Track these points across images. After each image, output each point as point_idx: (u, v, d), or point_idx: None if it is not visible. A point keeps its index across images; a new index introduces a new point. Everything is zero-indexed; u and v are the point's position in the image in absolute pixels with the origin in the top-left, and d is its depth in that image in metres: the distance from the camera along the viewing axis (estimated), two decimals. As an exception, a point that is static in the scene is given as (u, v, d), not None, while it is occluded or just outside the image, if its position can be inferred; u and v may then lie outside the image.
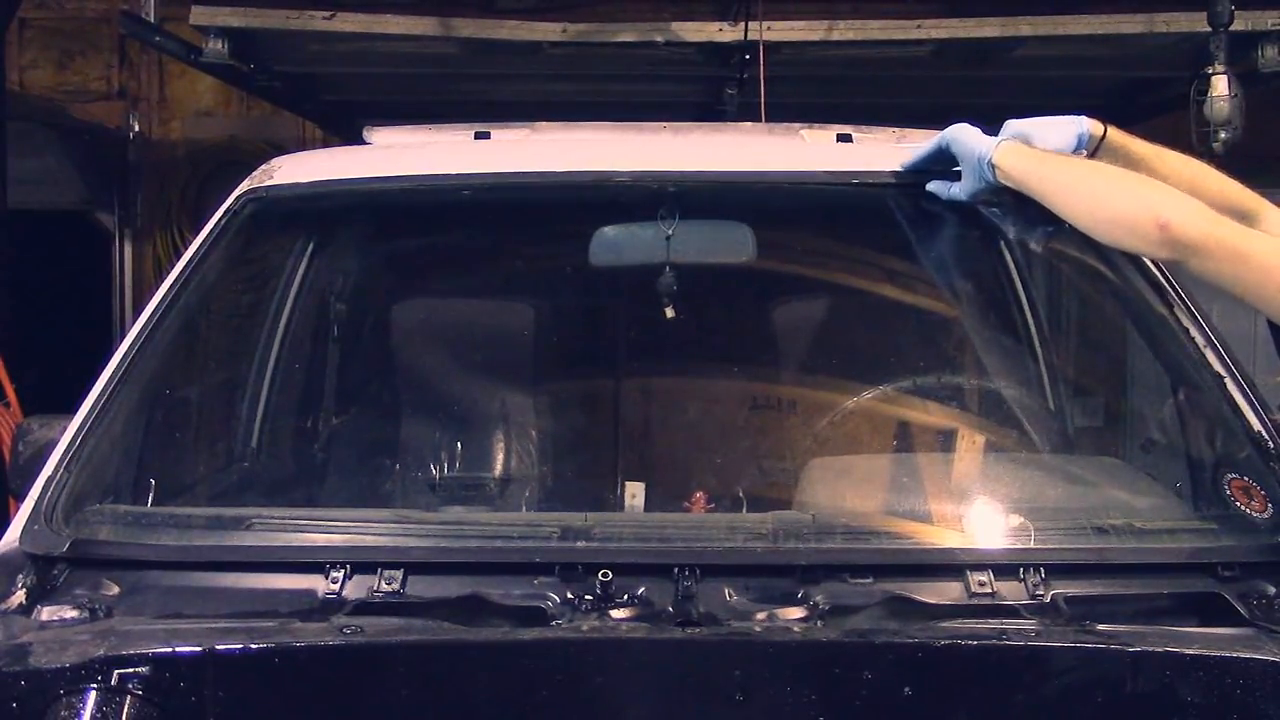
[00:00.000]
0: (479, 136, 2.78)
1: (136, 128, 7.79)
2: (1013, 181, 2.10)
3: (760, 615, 1.75)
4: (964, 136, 2.19)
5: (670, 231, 2.48)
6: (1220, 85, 4.63)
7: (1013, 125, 2.16)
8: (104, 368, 2.19)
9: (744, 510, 2.31)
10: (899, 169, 2.36)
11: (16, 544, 1.91)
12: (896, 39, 5.30)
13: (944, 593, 1.80)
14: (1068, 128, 2.13)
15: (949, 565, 1.86)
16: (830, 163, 2.53)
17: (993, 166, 2.11)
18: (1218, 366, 2.17)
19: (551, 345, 2.90)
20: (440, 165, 2.54)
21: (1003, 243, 2.81)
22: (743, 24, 5.15)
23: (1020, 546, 1.91)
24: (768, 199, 2.53)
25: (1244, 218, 2.04)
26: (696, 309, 2.66)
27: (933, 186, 2.28)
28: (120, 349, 2.23)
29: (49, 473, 2.03)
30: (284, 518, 2.05)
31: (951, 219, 2.40)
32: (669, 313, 2.55)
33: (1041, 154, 2.09)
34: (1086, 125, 2.13)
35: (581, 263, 2.62)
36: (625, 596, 1.77)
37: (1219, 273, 1.91)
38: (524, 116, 3.26)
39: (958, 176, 2.23)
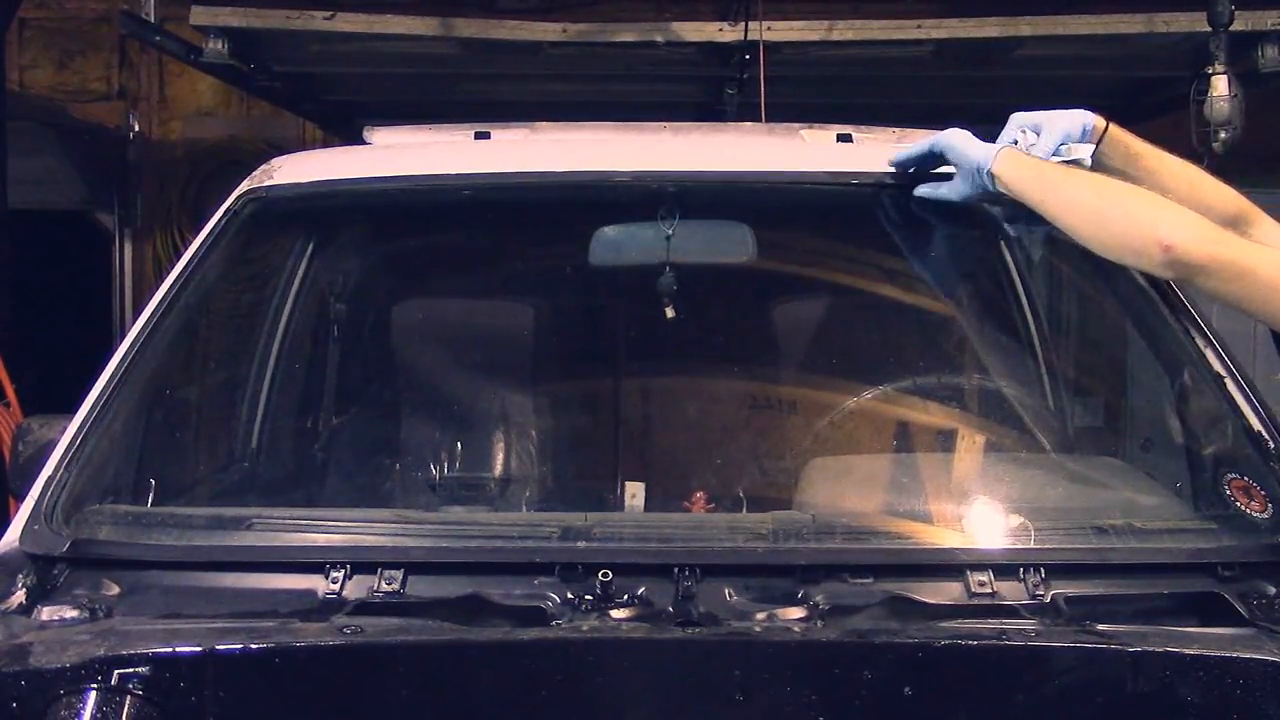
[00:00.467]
0: (479, 136, 2.78)
1: (136, 128, 7.79)
2: (1012, 192, 2.10)
3: (760, 615, 1.75)
4: (960, 144, 2.18)
5: (670, 231, 2.48)
6: (1220, 85, 4.63)
7: (1020, 117, 2.16)
8: (104, 368, 2.19)
9: (744, 510, 2.31)
10: (889, 166, 2.35)
11: (16, 544, 1.91)
12: (896, 39, 5.31)
13: (944, 593, 1.80)
14: (1074, 118, 2.13)
15: (949, 565, 1.86)
16: (830, 163, 2.52)
17: (992, 176, 2.11)
18: (1217, 366, 2.16)
19: (551, 345, 2.89)
20: (440, 165, 2.55)
21: (1003, 242, 2.80)
22: (743, 24, 5.16)
23: (1020, 546, 1.91)
24: (768, 199, 2.53)
25: (1237, 223, 2.05)
26: (696, 309, 2.65)
27: (922, 190, 2.28)
28: (120, 349, 2.23)
29: (49, 473, 2.03)
30: (284, 518, 2.05)
31: (952, 219, 2.40)
32: (669, 313, 2.55)
33: (1041, 165, 2.08)
34: (1090, 119, 2.13)
35: (581, 263, 2.62)
36: (625, 596, 1.77)
37: (1224, 290, 1.91)
38: (524, 116, 3.27)
39: (945, 177, 2.23)
